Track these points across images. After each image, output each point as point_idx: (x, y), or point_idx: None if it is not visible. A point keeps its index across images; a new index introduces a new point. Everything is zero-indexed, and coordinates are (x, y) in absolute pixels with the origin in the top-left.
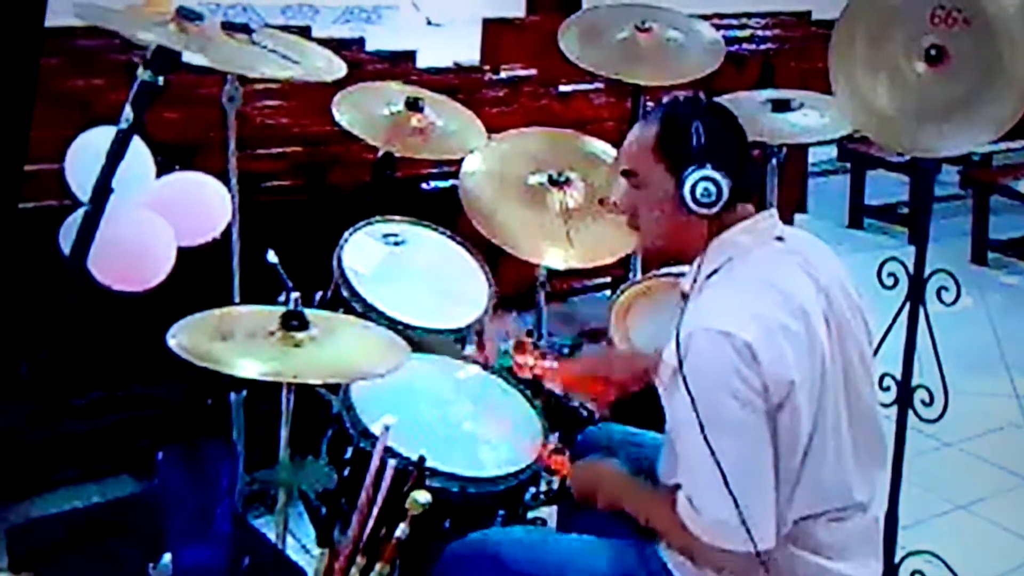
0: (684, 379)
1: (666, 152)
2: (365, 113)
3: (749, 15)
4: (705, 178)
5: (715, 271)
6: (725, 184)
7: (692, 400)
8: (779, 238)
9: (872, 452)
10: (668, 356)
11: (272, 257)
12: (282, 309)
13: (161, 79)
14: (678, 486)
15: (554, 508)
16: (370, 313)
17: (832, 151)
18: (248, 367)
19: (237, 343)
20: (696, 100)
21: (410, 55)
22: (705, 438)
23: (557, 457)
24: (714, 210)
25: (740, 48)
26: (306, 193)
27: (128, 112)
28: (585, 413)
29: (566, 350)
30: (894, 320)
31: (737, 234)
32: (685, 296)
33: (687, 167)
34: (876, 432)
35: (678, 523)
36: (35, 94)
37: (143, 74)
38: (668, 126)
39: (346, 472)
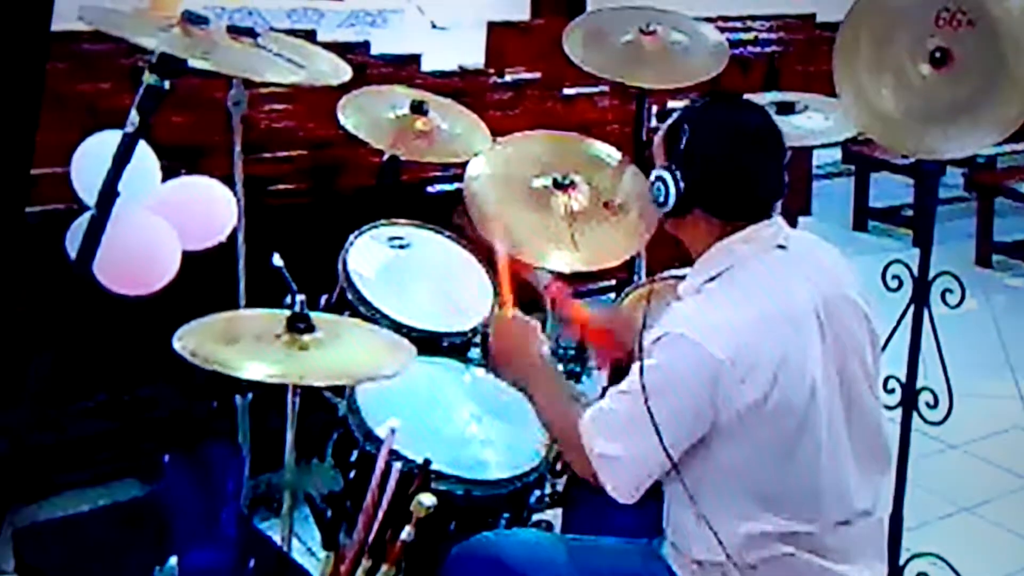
0: (641, 368)
1: (666, 146)
2: (370, 117)
3: (754, 18)
4: (659, 178)
5: (712, 278)
6: (673, 189)
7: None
8: (781, 246)
9: (875, 459)
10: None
11: (277, 261)
12: (288, 312)
13: (167, 83)
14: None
15: (559, 511)
16: (375, 316)
17: (836, 153)
18: (255, 369)
19: (244, 346)
20: (716, 105)
21: (415, 59)
22: (646, 400)
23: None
24: (663, 210)
25: (745, 51)
26: (311, 197)
27: (134, 116)
28: None
29: (571, 352)
30: (898, 323)
31: (736, 242)
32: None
33: (670, 164)
34: (879, 439)
35: (574, 434)
36: (41, 98)
37: (149, 78)
38: (675, 123)
39: (351, 475)
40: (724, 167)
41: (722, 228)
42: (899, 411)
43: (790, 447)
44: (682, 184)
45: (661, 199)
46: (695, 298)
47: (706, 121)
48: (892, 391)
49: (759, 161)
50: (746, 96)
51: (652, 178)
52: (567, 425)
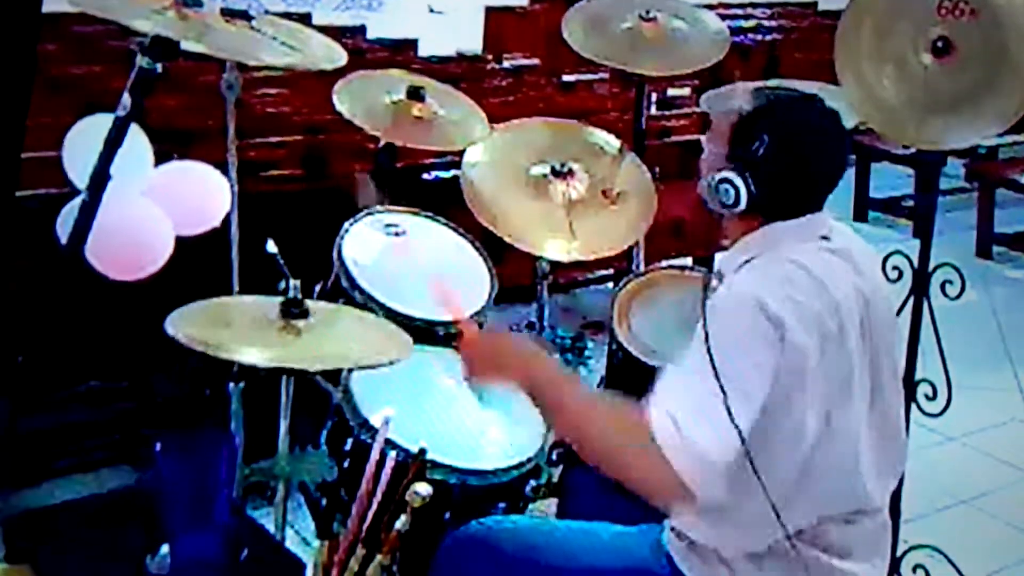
0: (707, 336)
1: (733, 138)
2: (366, 102)
3: (755, 4)
4: (726, 180)
5: (751, 259)
6: (745, 194)
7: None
8: (825, 237)
9: (892, 464)
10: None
11: (271, 247)
12: (282, 298)
13: (160, 66)
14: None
15: (554, 501)
16: (370, 304)
17: None
18: (250, 354)
19: (237, 331)
20: (800, 108)
21: (412, 43)
22: (715, 369)
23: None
24: (729, 211)
25: (745, 38)
26: (306, 182)
27: (126, 99)
28: None
29: (568, 342)
30: (898, 314)
31: (782, 230)
32: (711, 280)
33: (731, 164)
34: (901, 446)
35: (629, 427)
36: (33, 81)
37: (141, 61)
38: (749, 119)
39: (346, 464)
40: (798, 175)
41: (767, 216)
42: None
43: (809, 428)
44: (755, 190)
45: (729, 202)
46: (737, 275)
47: (783, 126)
48: None
49: (829, 165)
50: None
51: (718, 179)
52: (626, 426)
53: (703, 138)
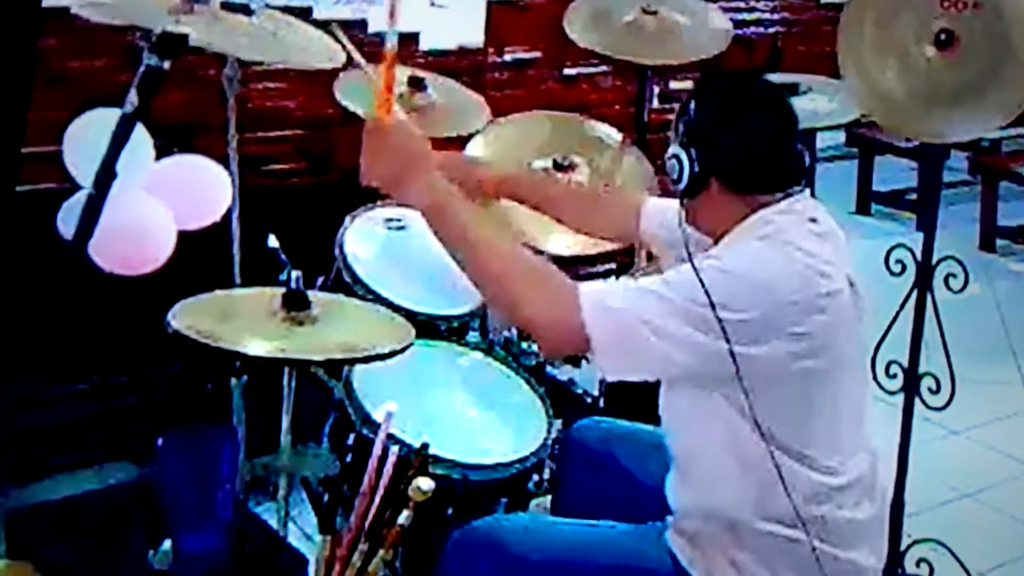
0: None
1: (677, 125)
2: (368, 95)
3: None
4: (673, 156)
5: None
6: (687, 164)
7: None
8: (813, 219)
9: (861, 435)
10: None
11: (273, 241)
12: (283, 290)
13: (167, 64)
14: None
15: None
16: (371, 298)
17: (840, 136)
18: (252, 346)
19: (239, 323)
20: (716, 79)
21: (413, 37)
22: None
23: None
24: (678, 187)
25: (747, 31)
26: (308, 177)
27: (133, 96)
28: (589, 400)
29: None
30: (901, 307)
31: (774, 213)
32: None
33: (682, 141)
34: (863, 419)
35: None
36: (34, 76)
37: (149, 58)
38: (688, 98)
39: (348, 459)
40: (732, 134)
41: (747, 203)
42: (901, 396)
43: (818, 401)
44: (696, 157)
45: (675, 176)
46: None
47: (711, 93)
48: (894, 376)
49: (767, 127)
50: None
51: (667, 156)
52: (537, 260)
53: None
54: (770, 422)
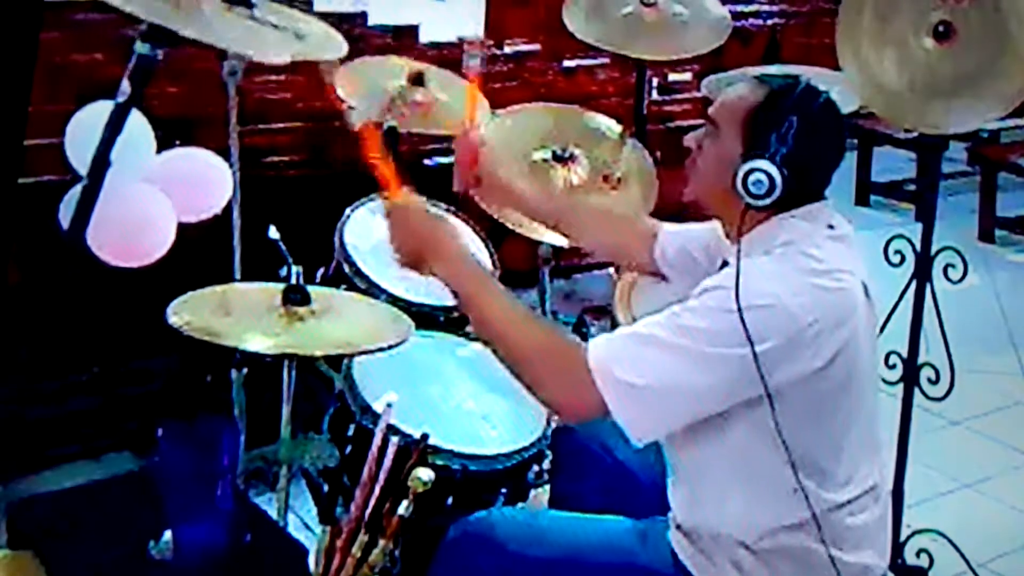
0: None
1: (752, 126)
2: (368, 88)
3: None
4: (765, 172)
5: (768, 251)
6: (780, 186)
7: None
8: (831, 226)
9: (875, 447)
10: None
11: (273, 233)
12: (283, 285)
13: (160, 53)
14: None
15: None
16: (372, 290)
17: None
18: (252, 341)
19: (239, 318)
20: (813, 93)
21: (413, 29)
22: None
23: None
24: (760, 203)
25: (746, 23)
26: (308, 168)
27: (125, 85)
28: None
29: (570, 327)
30: (900, 298)
31: (798, 219)
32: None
33: (759, 152)
34: (876, 427)
35: (565, 351)
36: (34, 69)
37: (141, 47)
38: (768, 104)
39: (348, 449)
40: (820, 161)
41: (771, 210)
42: (900, 387)
43: (834, 413)
44: (788, 178)
45: (762, 192)
46: (764, 259)
47: (806, 110)
48: (893, 367)
49: (840, 151)
50: (748, 69)
51: (747, 168)
52: (550, 341)
53: (692, 137)
54: (787, 436)
